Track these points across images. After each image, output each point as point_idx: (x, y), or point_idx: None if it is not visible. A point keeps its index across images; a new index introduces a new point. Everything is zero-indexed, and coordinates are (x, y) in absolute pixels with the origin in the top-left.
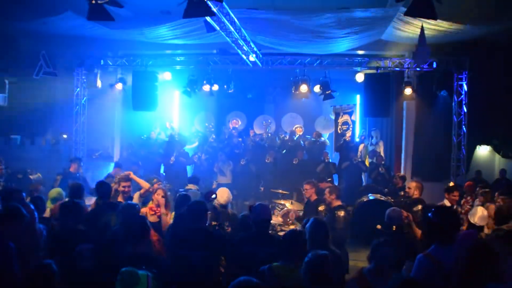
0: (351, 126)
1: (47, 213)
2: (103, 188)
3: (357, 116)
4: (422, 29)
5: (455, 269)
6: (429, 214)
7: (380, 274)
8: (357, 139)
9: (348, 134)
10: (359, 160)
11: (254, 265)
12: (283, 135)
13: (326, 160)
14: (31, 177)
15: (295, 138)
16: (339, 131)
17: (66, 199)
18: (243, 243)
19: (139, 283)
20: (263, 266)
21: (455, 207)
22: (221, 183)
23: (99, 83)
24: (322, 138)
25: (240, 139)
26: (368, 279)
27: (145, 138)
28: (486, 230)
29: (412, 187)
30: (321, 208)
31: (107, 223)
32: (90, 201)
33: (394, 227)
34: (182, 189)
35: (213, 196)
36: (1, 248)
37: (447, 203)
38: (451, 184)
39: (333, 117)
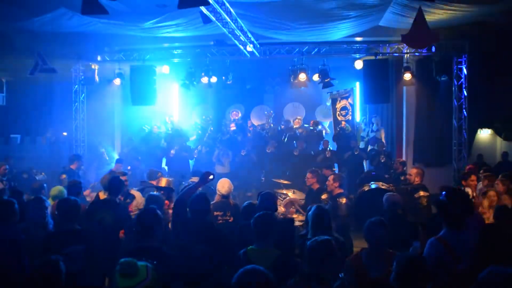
0: (351, 110)
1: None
2: (112, 184)
3: (357, 101)
4: (420, 11)
5: (467, 254)
6: (441, 197)
7: (375, 255)
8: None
9: (346, 118)
10: (360, 148)
11: None
12: (283, 126)
13: (328, 155)
14: (36, 177)
15: (290, 127)
16: (338, 117)
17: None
18: (244, 231)
19: (138, 274)
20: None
21: (472, 193)
22: (219, 172)
23: (97, 79)
24: (319, 127)
25: (236, 128)
26: (362, 259)
27: (147, 131)
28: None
29: (413, 173)
30: (324, 196)
31: (102, 220)
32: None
33: (399, 210)
34: (185, 182)
35: (211, 177)
36: (11, 240)
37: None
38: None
39: (329, 103)
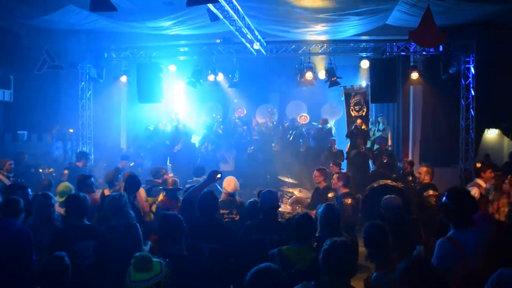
0: (365, 106)
1: (56, 208)
2: (131, 182)
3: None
4: (428, 10)
5: (477, 252)
6: (444, 198)
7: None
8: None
9: (360, 114)
10: (366, 147)
11: (262, 252)
12: (287, 123)
13: (334, 150)
14: (42, 171)
15: (297, 125)
16: (351, 113)
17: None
18: (251, 231)
19: (152, 268)
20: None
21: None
22: (224, 170)
23: (103, 77)
24: (329, 125)
25: (245, 127)
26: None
27: (152, 130)
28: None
29: (423, 172)
30: (330, 195)
31: (104, 216)
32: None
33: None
34: (190, 180)
35: (218, 175)
36: (19, 234)
37: (481, 183)
38: (478, 164)
39: (343, 98)
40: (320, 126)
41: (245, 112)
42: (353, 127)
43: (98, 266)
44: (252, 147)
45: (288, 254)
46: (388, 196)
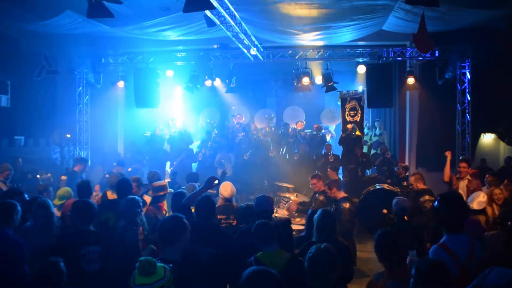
0: (359, 112)
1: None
2: (121, 186)
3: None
4: (423, 17)
5: (470, 257)
6: (436, 203)
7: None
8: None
9: (354, 119)
10: (363, 153)
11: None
12: (291, 130)
13: (331, 159)
14: (40, 177)
15: (290, 132)
16: (346, 118)
17: (76, 199)
18: (244, 235)
19: (156, 272)
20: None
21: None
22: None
23: (100, 82)
24: (323, 131)
25: (243, 133)
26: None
27: (149, 136)
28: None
29: (413, 181)
30: (321, 198)
31: (106, 220)
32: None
33: (405, 216)
34: (183, 186)
35: (216, 182)
36: (11, 245)
37: None
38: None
39: (339, 103)
40: (314, 132)
41: (243, 119)
42: (345, 134)
43: (105, 272)
44: (249, 152)
45: (263, 259)
46: (399, 197)
